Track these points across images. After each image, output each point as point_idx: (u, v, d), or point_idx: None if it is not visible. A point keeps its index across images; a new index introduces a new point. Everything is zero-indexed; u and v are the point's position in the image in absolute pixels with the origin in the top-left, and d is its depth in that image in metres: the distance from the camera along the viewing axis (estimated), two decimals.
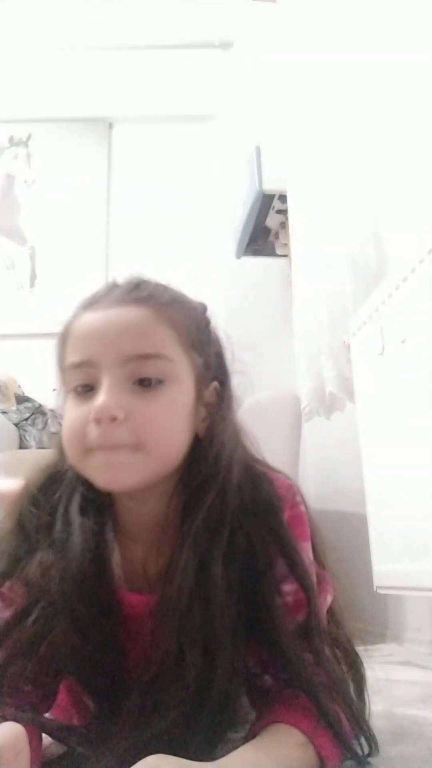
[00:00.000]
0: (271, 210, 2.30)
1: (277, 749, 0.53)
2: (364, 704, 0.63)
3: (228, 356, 0.69)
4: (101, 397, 0.58)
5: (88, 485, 0.64)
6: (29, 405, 2.25)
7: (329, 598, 0.66)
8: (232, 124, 2.79)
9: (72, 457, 0.61)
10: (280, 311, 2.52)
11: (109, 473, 0.59)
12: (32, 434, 2.13)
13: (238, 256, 2.62)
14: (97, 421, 0.58)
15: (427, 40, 1.22)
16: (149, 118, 3.07)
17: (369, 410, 1.40)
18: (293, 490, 0.66)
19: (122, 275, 0.68)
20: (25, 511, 0.65)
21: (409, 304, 1.16)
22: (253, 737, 0.55)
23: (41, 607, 0.59)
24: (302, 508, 0.65)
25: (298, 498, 0.66)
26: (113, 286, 0.66)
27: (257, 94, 2.42)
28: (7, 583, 0.63)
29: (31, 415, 2.20)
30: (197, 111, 3.05)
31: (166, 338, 0.61)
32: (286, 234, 2.21)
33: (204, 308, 0.69)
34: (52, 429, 2.15)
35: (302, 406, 1.85)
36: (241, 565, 0.59)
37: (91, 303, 0.65)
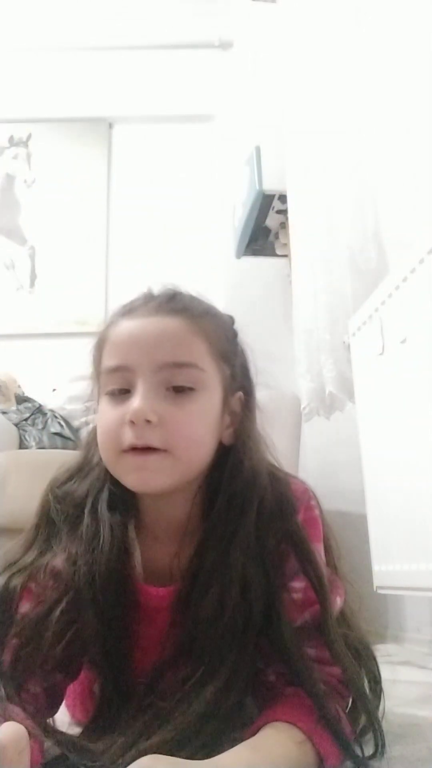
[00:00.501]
0: (271, 210, 2.30)
1: (275, 747, 0.53)
2: (378, 702, 0.64)
3: (251, 368, 0.73)
4: (137, 401, 0.61)
5: (115, 482, 0.67)
6: (29, 405, 2.25)
7: (340, 601, 0.67)
8: (232, 124, 2.79)
9: (106, 457, 0.65)
10: (280, 311, 2.52)
11: (139, 476, 0.62)
12: (32, 434, 2.13)
13: (238, 256, 2.62)
14: (132, 423, 0.61)
15: (427, 40, 1.22)
16: (149, 118, 3.07)
17: (369, 410, 1.40)
18: (308, 493, 0.69)
19: (157, 285, 0.71)
20: (53, 506, 0.68)
21: (409, 304, 1.16)
22: (253, 735, 0.55)
23: (69, 598, 0.62)
24: (316, 511, 0.69)
25: (313, 502, 0.69)
26: (150, 296, 0.70)
27: (257, 94, 2.42)
28: (34, 580, 0.65)
29: (31, 415, 2.20)
30: (197, 111, 3.05)
31: (199, 348, 0.65)
32: (286, 234, 2.21)
33: (232, 321, 0.73)
34: (52, 429, 2.15)
35: (302, 406, 1.85)
36: (257, 561, 0.62)
37: (129, 311, 0.68)
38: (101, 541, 0.64)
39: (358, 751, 0.56)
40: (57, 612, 0.61)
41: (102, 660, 0.62)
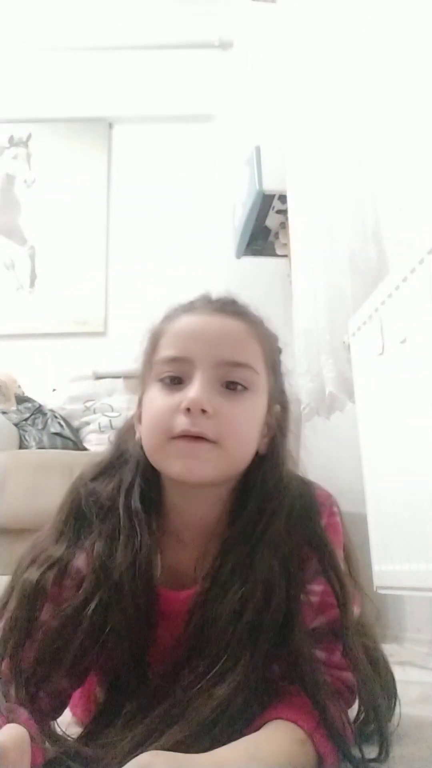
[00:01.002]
0: (271, 210, 2.30)
1: (275, 745, 0.53)
2: (391, 714, 0.65)
3: (288, 388, 0.75)
4: (195, 390, 0.63)
5: (146, 479, 0.68)
6: (29, 405, 2.25)
7: (357, 610, 0.67)
8: (232, 124, 2.79)
9: (153, 442, 0.65)
10: (280, 311, 2.51)
11: (186, 463, 0.63)
12: (32, 434, 2.13)
13: (238, 256, 2.62)
14: (188, 410, 0.62)
15: (427, 40, 1.22)
16: (149, 118, 3.07)
17: (369, 410, 1.40)
18: (331, 500, 0.71)
19: (215, 291, 0.73)
20: (84, 500, 0.68)
21: (409, 304, 1.16)
22: (255, 731, 0.55)
23: (96, 605, 0.61)
24: (338, 518, 0.70)
25: (335, 509, 0.70)
26: (210, 297, 0.72)
27: (257, 94, 2.42)
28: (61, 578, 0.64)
29: (31, 415, 2.20)
30: (197, 111, 3.05)
31: (256, 352, 0.68)
32: (286, 234, 2.21)
33: (277, 338, 0.75)
34: (52, 429, 2.15)
35: (302, 406, 1.85)
36: (281, 562, 0.63)
37: (189, 308, 0.70)
38: (138, 541, 0.64)
39: (357, 754, 0.56)
40: (85, 622, 0.60)
41: (120, 667, 0.62)
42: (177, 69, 3.03)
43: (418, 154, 1.25)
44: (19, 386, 2.43)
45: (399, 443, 1.23)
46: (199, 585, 0.64)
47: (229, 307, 0.70)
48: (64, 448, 2.11)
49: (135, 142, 3.06)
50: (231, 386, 0.65)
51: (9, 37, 3.00)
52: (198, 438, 0.62)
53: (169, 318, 0.70)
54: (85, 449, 2.17)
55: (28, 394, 2.37)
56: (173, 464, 0.64)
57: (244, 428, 0.65)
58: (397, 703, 0.67)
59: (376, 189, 1.44)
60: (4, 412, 2.18)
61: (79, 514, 0.68)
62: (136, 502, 0.67)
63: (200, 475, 0.63)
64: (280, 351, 0.75)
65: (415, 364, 1.14)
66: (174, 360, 0.66)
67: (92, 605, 0.61)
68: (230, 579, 0.62)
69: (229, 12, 2.87)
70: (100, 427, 2.22)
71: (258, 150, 2.25)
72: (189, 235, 2.92)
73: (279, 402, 0.72)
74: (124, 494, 0.68)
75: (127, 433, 0.74)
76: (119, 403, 2.28)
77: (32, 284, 2.91)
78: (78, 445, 2.16)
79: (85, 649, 0.60)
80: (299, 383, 1.86)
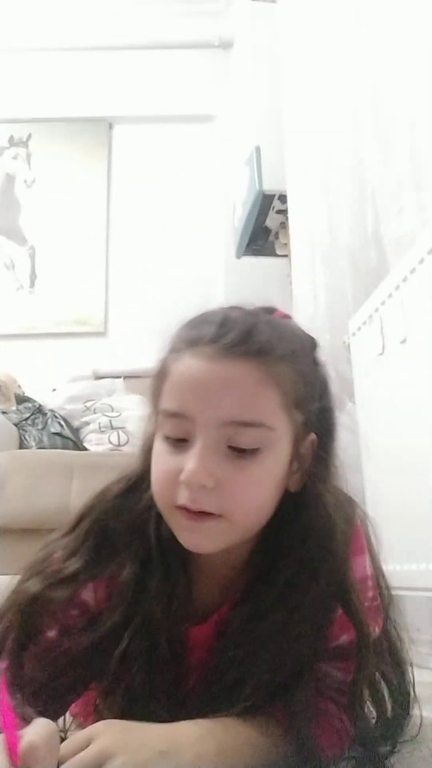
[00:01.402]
0: (271, 210, 2.30)
1: (242, 728, 0.52)
2: (401, 727, 0.62)
3: (332, 403, 0.65)
4: (192, 462, 0.55)
5: None
6: (29, 405, 2.25)
7: (377, 630, 0.63)
8: (232, 124, 2.79)
9: (160, 507, 0.60)
10: None
11: (191, 537, 0.58)
12: (32, 434, 2.13)
13: (238, 256, 2.62)
14: (187, 485, 0.56)
15: (427, 40, 1.22)
16: (149, 118, 3.07)
17: (369, 410, 1.40)
18: (358, 513, 0.66)
19: (233, 308, 0.62)
20: (108, 516, 0.64)
21: (409, 304, 1.16)
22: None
23: (134, 626, 0.59)
24: (358, 521, 0.65)
25: (358, 510, 0.66)
26: (222, 328, 0.58)
27: (257, 94, 2.42)
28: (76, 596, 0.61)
29: (31, 415, 2.20)
30: (197, 111, 3.05)
31: (270, 403, 0.57)
32: (286, 234, 2.21)
33: (313, 345, 0.65)
34: (52, 429, 2.15)
35: None
36: (310, 625, 0.58)
37: (196, 343, 0.58)
38: (174, 574, 0.61)
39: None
40: (103, 654, 0.58)
41: (136, 695, 0.59)
42: (177, 69, 3.03)
43: (418, 154, 1.25)
44: (19, 386, 2.43)
45: (399, 443, 1.23)
46: (215, 628, 0.60)
47: (239, 346, 0.57)
48: (64, 448, 2.11)
49: (135, 142, 3.06)
50: (239, 450, 0.56)
51: (9, 37, 3.00)
52: (201, 513, 0.56)
53: (174, 352, 0.60)
54: (85, 449, 2.17)
55: (28, 394, 2.37)
56: (180, 535, 0.58)
57: (255, 496, 0.58)
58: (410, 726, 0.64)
59: (376, 189, 1.44)
60: (4, 412, 2.18)
61: (102, 534, 0.63)
62: (167, 530, 0.61)
63: (209, 548, 0.58)
64: (315, 367, 0.64)
65: (415, 364, 1.14)
66: (174, 415, 0.57)
67: (123, 641, 0.58)
68: (253, 628, 0.58)
69: (229, 12, 2.87)
70: (100, 427, 2.22)
71: (258, 150, 2.25)
72: (189, 235, 2.92)
73: (316, 429, 0.62)
74: (156, 517, 0.62)
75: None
76: (119, 403, 2.28)
77: (32, 284, 2.92)
78: (78, 445, 2.16)
79: (98, 677, 0.59)
80: None
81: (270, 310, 0.65)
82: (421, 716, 0.66)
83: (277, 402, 0.57)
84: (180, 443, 0.57)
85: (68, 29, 3.02)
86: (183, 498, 0.56)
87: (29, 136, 3.04)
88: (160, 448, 0.59)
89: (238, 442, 0.56)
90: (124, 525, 0.62)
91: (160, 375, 0.61)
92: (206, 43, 3.00)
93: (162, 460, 0.59)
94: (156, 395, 0.61)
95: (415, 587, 1.14)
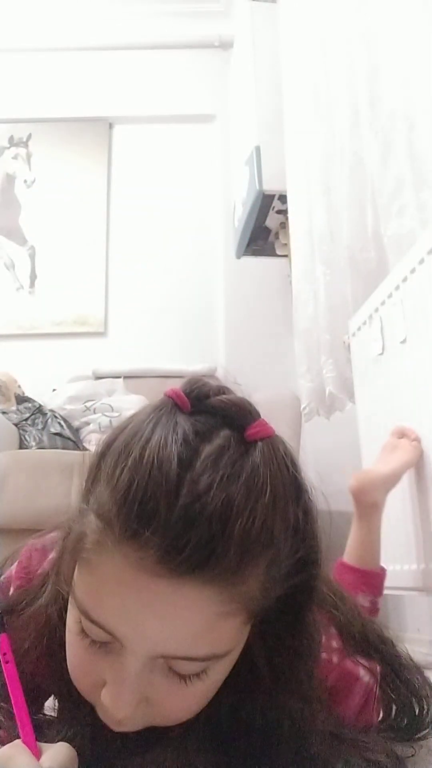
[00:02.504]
0: (271, 210, 2.30)
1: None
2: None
3: (315, 555, 0.49)
4: (117, 700, 0.44)
5: None
6: (29, 405, 2.25)
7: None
8: (233, 124, 2.79)
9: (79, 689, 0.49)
10: (280, 311, 2.52)
11: (113, 725, 0.47)
12: (32, 434, 2.13)
13: (238, 256, 2.62)
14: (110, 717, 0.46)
15: (427, 40, 1.22)
16: (149, 118, 3.07)
17: (369, 410, 1.40)
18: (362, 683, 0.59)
19: (202, 465, 0.44)
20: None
21: (409, 304, 1.16)
22: None
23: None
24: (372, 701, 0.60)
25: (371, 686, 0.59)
26: (179, 536, 0.41)
27: (257, 94, 2.42)
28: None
29: (31, 415, 2.20)
30: (197, 111, 3.05)
31: (229, 631, 0.45)
32: (286, 234, 2.21)
33: (299, 491, 0.48)
34: (52, 429, 2.15)
35: (302, 407, 1.85)
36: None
37: (138, 539, 0.41)
38: None
39: None
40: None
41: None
42: (177, 69, 3.03)
43: (417, 154, 1.25)
44: (19, 386, 2.43)
45: None
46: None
47: (200, 569, 0.41)
48: (64, 448, 2.11)
49: (135, 142, 3.06)
50: (180, 673, 0.45)
51: (9, 37, 3.00)
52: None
53: (106, 523, 0.43)
54: (85, 449, 2.17)
55: (28, 394, 2.38)
56: (100, 713, 0.47)
57: (195, 708, 0.47)
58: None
59: (375, 189, 1.44)
60: (4, 412, 2.18)
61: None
62: None
63: (133, 729, 0.48)
64: (307, 510, 0.48)
65: (415, 364, 1.14)
66: (97, 625, 0.44)
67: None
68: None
69: (229, 12, 2.87)
70: (100, 427, 2.22)
71: (258, 150, 2.25)
72: (189, 235, 2.92)
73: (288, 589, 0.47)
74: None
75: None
76: (119, 403, 2.28)
77: (32, 284, 2.91)
78: (78, 445, 2.16)
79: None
80: (299, 383, 1.86)
81: (249, 419, 0.49)
82: None
83: (239, 623, 0.45)
84: (102, 644, 0.45)
85: (68, 29, 3.01)
86: (107, 713, 0.46)
87: (29, 136, 3.04)
88: (74, 641, 0.46)
89: (180, 670, 0.44)
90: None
91: (80, 537, 0.45)
92: (206, 43, 3.00)
93: (78, 657, 0.47)
94: (87, 492, 0.48)
95: (415, 587, 1.14)
